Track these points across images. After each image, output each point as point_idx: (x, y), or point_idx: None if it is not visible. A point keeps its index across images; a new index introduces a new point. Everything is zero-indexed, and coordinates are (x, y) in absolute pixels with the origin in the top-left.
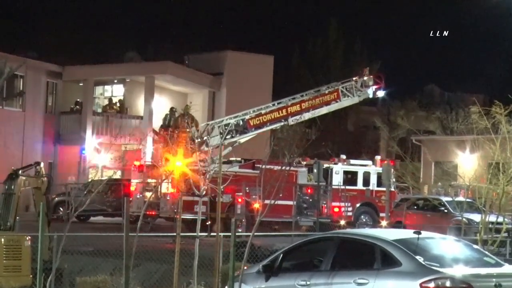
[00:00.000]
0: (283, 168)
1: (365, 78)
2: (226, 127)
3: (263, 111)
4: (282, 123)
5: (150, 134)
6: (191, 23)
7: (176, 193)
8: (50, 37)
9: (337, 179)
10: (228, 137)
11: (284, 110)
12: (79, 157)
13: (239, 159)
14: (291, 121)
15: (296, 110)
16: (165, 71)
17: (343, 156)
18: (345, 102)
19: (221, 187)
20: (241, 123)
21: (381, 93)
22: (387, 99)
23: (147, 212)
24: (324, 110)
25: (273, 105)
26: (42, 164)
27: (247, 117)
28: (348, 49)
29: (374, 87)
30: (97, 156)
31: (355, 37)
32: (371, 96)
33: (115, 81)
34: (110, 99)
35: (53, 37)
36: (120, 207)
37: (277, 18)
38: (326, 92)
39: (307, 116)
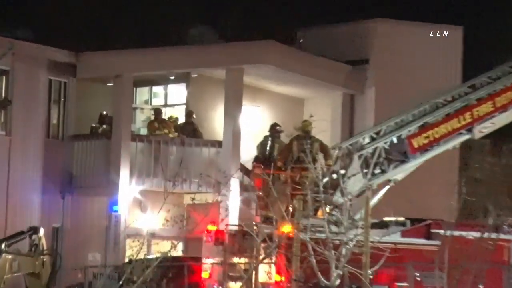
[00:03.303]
0: (484, 235)
1: None
2: (371, 154)
3: (428, 119)
4: (464, 137)
5: (237, 175)
6: None
7: (285, 282)
8: (54, 9)
9: None
10: (376, 171)
11: (467, 114)
12: (107, 217)
13: (401, 219)
14: (478, 131)
15: (487, 112)
16: (263, 58)
17: None
18: None
19: (370, 271)
20: (395, 142)
21: None
22: None
23: None
24: None
25: (435, 107)
26: (41, 232)
27: (404, 132)
28: None
29: None
30: (139, 215)
31: None
32: None
33: (172, 77)
34: (157, 111)
35: (60, 9)
36: None
37: None
38: None
39: (501, 121)
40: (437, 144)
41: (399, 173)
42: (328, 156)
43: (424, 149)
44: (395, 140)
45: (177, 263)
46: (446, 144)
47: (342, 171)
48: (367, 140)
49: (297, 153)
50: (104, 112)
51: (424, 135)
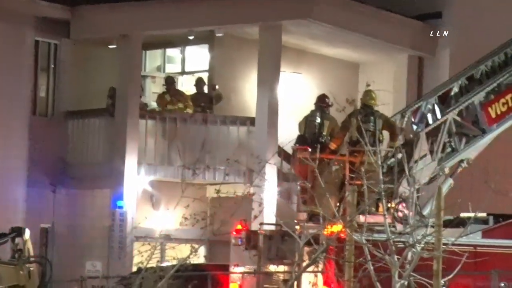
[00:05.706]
0: None
1: None
2: (440, 129)
3: (502, 79)
4: None
5: (273, 160)
6: None
7: None
8: None
9: None
10: (448, 150)
11: None
12: (110, 215)
13: (482, 214)
14: None
15: None
16: (306, 11)
17: None
18: None
19: (442, 280)
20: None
21: None
22: None
23: None
24: None
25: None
26: (27, 234)
27: (476, 98)
28: None
29: None
30: (150, 212)
31: None
32: None
33: (191, 37)
34: (169, 81)
35: None
36: None
37: None
38: None
39: None
40: None
41: (473, 151)
42: (395, 136)
43: (502, 118)
44: (469, 106)
45: (199, 273)
46: None
47: (414, 159)
48: (431, 107)
49: (356, 133)
50: (112, 86)
51: (503, 100)
